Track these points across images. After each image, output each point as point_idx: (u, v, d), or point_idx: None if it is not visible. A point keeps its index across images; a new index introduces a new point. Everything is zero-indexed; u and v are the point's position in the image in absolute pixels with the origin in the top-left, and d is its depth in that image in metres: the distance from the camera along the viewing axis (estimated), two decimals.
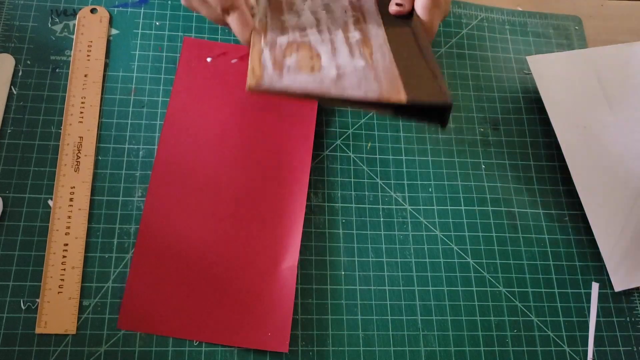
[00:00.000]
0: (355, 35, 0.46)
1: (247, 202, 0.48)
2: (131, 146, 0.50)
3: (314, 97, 0.43)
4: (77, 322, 0.43)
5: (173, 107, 0.51)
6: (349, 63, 0.43)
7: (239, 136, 0.50)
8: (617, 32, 0.62)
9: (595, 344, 0.48)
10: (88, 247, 0.46)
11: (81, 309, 0.44)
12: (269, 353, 0.44)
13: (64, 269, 0.45)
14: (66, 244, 0.45)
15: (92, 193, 0.47)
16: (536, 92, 0.57)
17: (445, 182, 0.52)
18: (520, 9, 0.62)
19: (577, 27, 0.61)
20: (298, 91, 0.41)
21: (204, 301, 0.45)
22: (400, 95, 0.41)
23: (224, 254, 0.46)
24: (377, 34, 0.46)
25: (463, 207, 0.52)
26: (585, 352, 0.47)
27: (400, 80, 0.42)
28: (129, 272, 0.45)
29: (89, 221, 0.47)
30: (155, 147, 0.50)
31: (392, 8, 0.48)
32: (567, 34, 0.61)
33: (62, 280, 0.44)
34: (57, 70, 0.51)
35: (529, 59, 0.57)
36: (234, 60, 0.53)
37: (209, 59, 0.53)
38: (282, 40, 0.45)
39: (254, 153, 0.50)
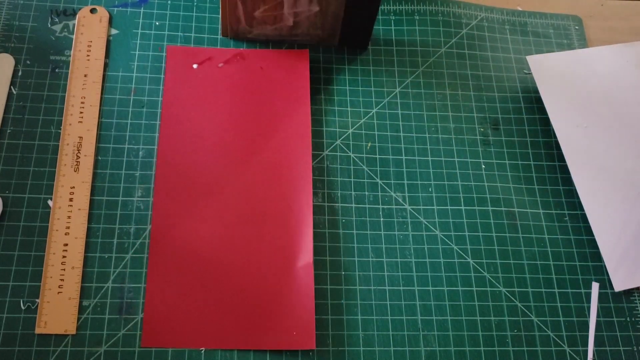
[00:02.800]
0: None
1: (253, 204, 0.48)
2: (131, 146, 0.50)
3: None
4: (77, 323, 0.43)
5: (166, 118, 0.50)
6: (306, 10, 0.50)
7: (235, 140, 0.50)
8: (617, 32, 0.62)
9: (596, 344, 0.48)
10: (88, 247, 0.46)
11: (81, 309, 0.44)
12: (283, 352, 0.44)
13: (64, 269, 0.45)
14: (66, 244, 0.45)
15: (92, 193, 0.47)
16: (536, 91, 0.57)
17: (445, 182, 0.52)
18: (520, 8, 0.62)
19: (577, 27, 0.61)
20: (259, 37, 0.53)
21: (226, 308, 0.44)
22: (332, 42, 0.54)
23: (239, 259, 0.46)
24: None
25: (463, 207, 0.52)
26: (586, 352, 0.47)
27: (340, 27, 0.52)
28: (147, 288, 0.45)
29: (89, 221, 0.47)
30: (155, 147, 0.50)
31: None
32: (567, 34, 0.61)
33: (62, 280, 0.44)
34: (56, 70, 0.51)
35: (528, 58, 0.56)
36: (220, 64, 0.53)
37: (195, 66, 0.53)
38: None
39: (253, 154, 0.50)
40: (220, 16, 0.50)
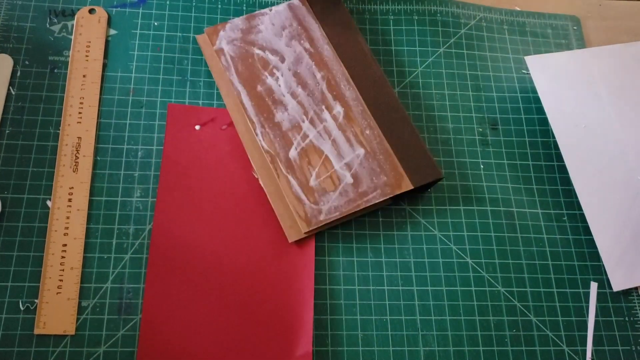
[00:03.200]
0: (338, 109, 0.50)
1: (251, 282, 0.46)
2: (130, 146, 0.50)
3: (346, 218, 0.48)
4: (76, 323, 0.43)
5: (164, 181, 0.48)
6: (353, 157, 0.49)
7: (234, 207, 0.48)
8: (615, 32, 0.62)
9: (594, 344, 0.48)
10: (87, 248, 0.46)
11: (80, 309, 0.44)
12: None
13: (63, 270, 0.45)
14: (65, 245, 0.45)
15: (91, 193, 0.47)
16: (534, 92, 0.57)
17: (444, 182, 0.52)
18: (518, 8, 0.62)
19: (575, 27, 0.62)
20: (337, 219, 0.47)
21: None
22: (405, 184, 0.48)
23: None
24: (351, 94, 0.51)
25: (462, 207, 0.52)
26: (584, 352, 0.48)
27: (398, 162, 0.49)
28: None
29: (88, 222, 0.47)
30: (154, 147, 0.50)
31: None
32: (565, 34, 0.61)
33: (61, 281, 0.44)
34: (55, 70, 0.51)
35: (527, 59, 0.57)
36: (224, 127, 0.51)
37: (197, 127, 0.51)
38: (293, 153, 0.48)
39: (252, 223, 0.48)
40: (279, 219, 0.47)
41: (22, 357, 0.42)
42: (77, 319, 0.44)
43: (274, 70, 0.51)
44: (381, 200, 0.47)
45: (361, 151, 0.49)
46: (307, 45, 0.53)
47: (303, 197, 0.47)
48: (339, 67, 0.52)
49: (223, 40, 0.53)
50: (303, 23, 0.54)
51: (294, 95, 0.50)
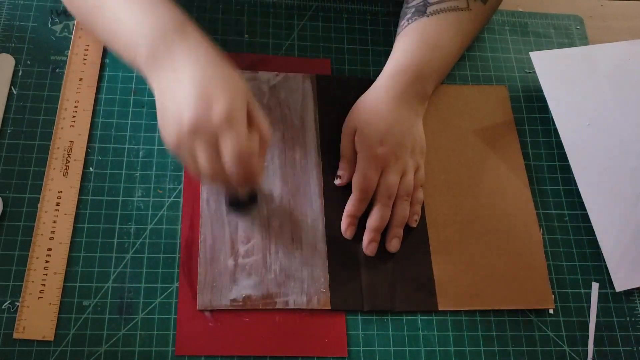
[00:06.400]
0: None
1: None
2: (131, 146, 0.50)
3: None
4: (75, 325, 0.43)
5: None
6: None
7: None
8: (616, 32, 0.62)
9: (595, 344, 0.48)
10: (87, 247, 0.46)
11: (81, 309, 0.44)
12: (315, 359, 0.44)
13: (46, 274, 0.44)
14: (50, 249, 0.45)
15: (92, 193, 0.47)
16: (537, 91, 0.57)
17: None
18: (520, 9, 0.62)
19: (578, 27, 0.61)
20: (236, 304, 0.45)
21: (260, 315, 0.45)
22: (324, 301, 0.46)
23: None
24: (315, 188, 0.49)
25: None
26: (585, 352, 0.47)
27: (328, 277, 0.46)
28: (179, 296, 0.45)
29: (89, 221, 0.46)
30: (155, 147, 0.50)
31: (336, 181, 0.50)
32: (568, 33, 0.61)
33: (43, 285, 0.44)
34: (57, 70, 0.51)
35: (532, 54, 0.56)
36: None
37: None
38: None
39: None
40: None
41: (22, 356, 0.42)
42: (78, 318, 0.43)
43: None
44: (293, 307, 0.45)
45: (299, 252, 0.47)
46: (296, 122, 0.52)
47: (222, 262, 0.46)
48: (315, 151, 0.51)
49: None
50: (303, 101, 0.53)
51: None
